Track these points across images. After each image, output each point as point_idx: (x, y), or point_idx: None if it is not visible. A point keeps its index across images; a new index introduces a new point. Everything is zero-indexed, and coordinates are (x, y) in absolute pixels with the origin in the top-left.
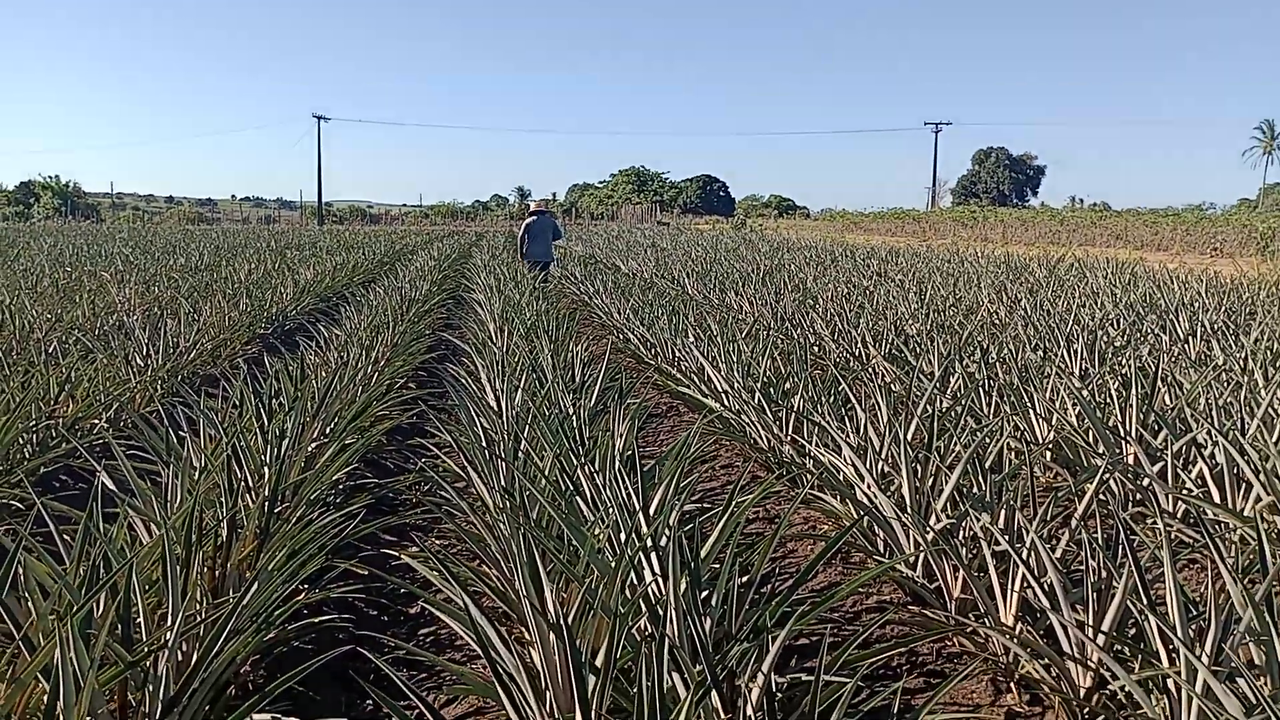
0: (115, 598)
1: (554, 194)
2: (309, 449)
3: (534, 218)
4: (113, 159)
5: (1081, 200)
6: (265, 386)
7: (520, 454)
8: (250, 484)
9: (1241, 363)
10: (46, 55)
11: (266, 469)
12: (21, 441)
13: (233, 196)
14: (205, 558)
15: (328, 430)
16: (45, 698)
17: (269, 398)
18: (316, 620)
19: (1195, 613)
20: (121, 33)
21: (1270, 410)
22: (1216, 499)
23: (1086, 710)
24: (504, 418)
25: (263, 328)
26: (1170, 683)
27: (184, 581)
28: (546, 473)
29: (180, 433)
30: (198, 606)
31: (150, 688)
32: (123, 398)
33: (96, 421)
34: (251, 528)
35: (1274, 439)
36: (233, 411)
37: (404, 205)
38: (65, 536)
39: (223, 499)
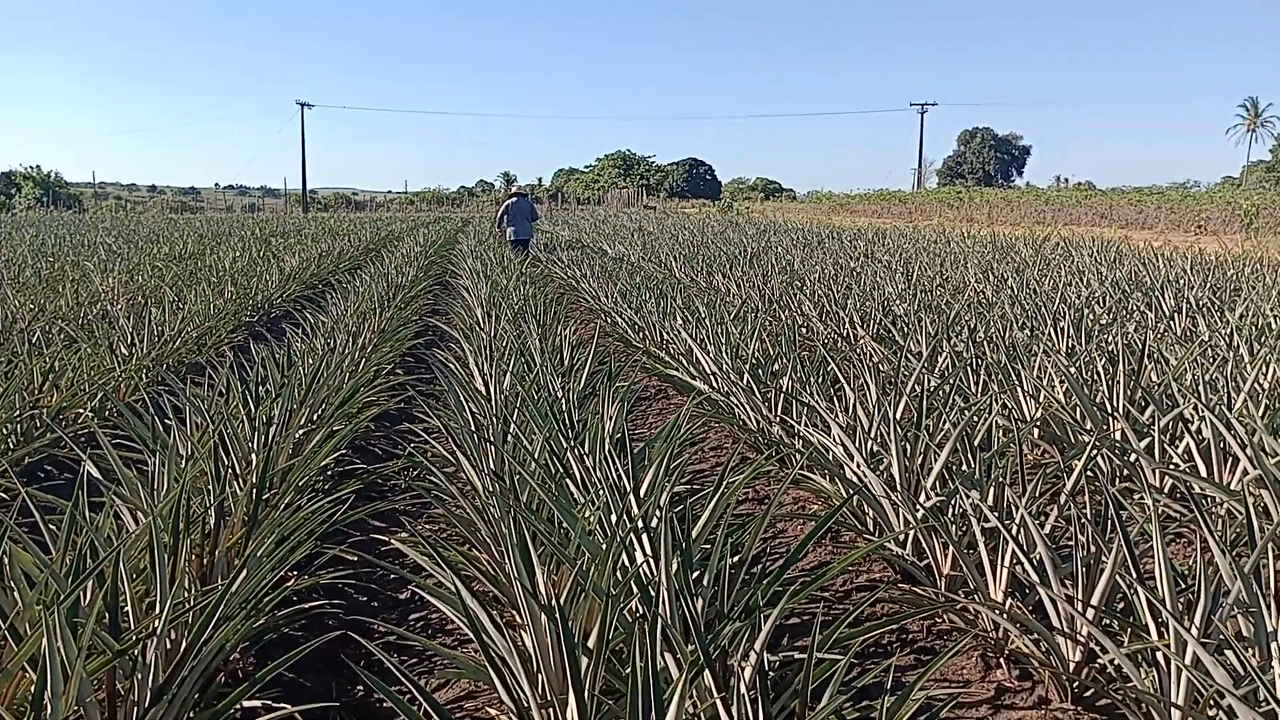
0: (102, 586)
1: (539, 179)
2: (297, 435)
3: (513, 199)
4: (95, 148)
5: (1066, 180)
6: (252, 374)
7: (509, 438)
8: (238, 471)
9: (1227, 338)
10: (28, 44)
11: (254, 455)
12: (5, 431)
13: (216, 185)
14: (193, 545)
15: (315, 417)
16: (33, 688)
17: (256, 385)
18: (307, 606)
19: (1184, 586)
20: (104, 22)
21: (1256, 385)
22: (1203, 473)
23: (1076, 684)
24: (493, 402)
25: (248, 316)
26: (1159, 655)
27: (172, 569)
28: (536, 456)
29: (166, 421)
30: (186, 594)
31: (139, 676)
32: (107, 387)
33: (81, 411)
34: (239, 514)
35: (1260, 413)
36: (219, 399)
37: (389, 192)
38: (51, 526)
39: (210, 486)
